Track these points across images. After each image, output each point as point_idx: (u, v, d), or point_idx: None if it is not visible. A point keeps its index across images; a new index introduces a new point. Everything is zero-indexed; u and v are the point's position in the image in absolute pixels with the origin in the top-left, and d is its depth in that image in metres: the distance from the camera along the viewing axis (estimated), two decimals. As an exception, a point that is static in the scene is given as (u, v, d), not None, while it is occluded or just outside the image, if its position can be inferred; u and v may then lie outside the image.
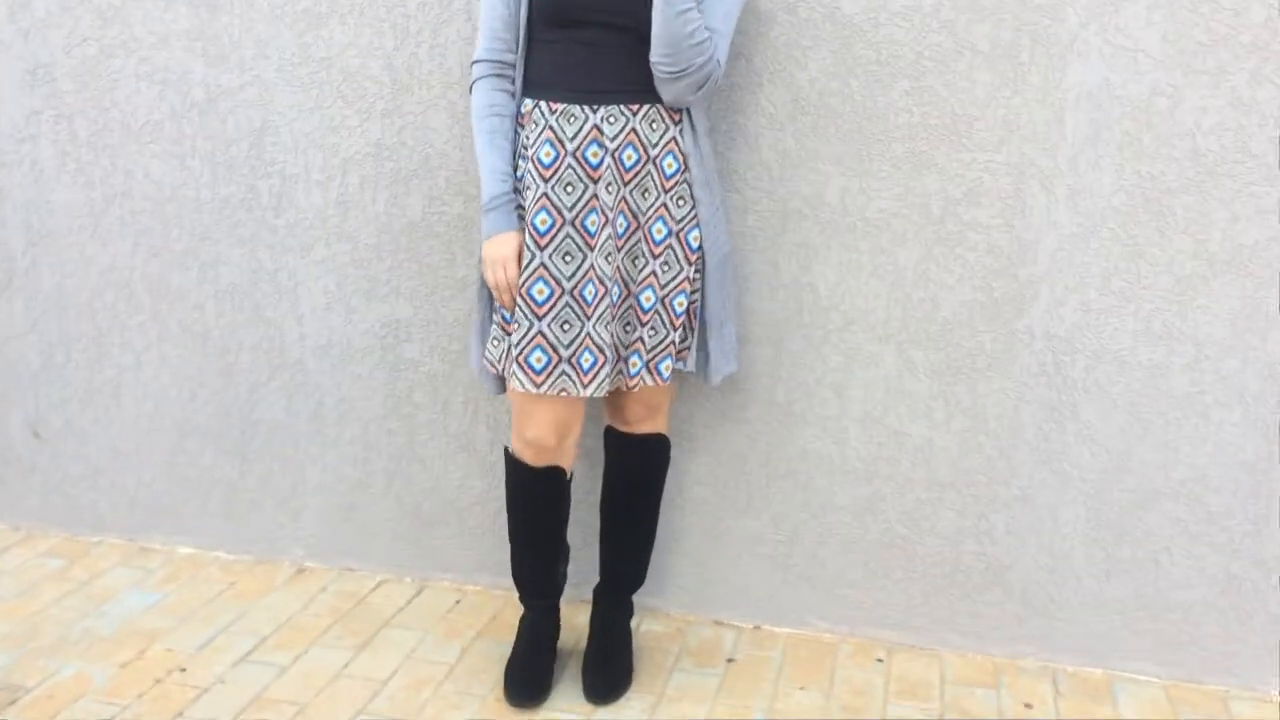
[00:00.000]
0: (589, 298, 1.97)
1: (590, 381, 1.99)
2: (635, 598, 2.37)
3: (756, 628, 2.46)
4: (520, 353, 1.99)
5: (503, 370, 2.05)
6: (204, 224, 2.59)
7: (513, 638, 2.33)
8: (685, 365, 2.13)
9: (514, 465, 2.16)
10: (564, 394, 1.99)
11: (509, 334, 2.02)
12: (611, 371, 2.02)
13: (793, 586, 2.43)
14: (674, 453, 2.41)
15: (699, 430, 2.40)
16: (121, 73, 2.54)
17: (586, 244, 1.98)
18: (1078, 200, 2.13)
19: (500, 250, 2.01)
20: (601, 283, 1.97)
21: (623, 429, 2.21)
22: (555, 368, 1.99)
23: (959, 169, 2.16)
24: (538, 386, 1.99)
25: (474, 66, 2.04)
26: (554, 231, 1.97)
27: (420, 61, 2.36)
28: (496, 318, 2.07)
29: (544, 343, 1.98)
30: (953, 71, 2.13)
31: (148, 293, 2.65)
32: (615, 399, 2.17)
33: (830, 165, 2.22)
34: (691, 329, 2.11)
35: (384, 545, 2.65)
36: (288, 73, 2.45)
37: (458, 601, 2.55)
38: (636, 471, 2.24)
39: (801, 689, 2.23)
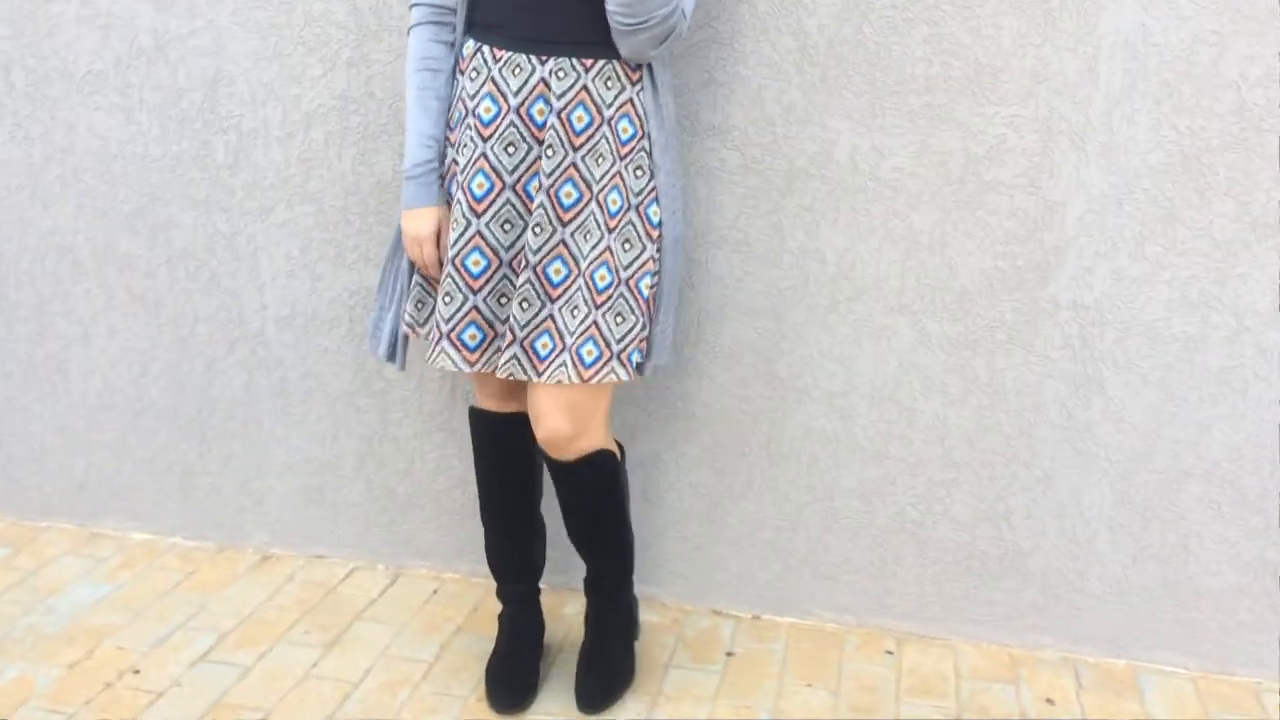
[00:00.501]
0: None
1: (545, 367, 1.82)
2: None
3: (756, 617, 2.30)
4: (452, 328, 1.81)
5: (426, 337, 1.88)
6: (153, 184, 2.37)
7: (496, 630, 2.16)
8: (644, 359, 1.89)
9: (475, 415, 2.02)
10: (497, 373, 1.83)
11: (432, 300, 1.88)
12: (507, 349, 1.81)
13: (795, 574, 2.27)
14: (671, 432, 2.23)
15: (696, 409, 2.22)
16: (62, 17, 2.31)
17: (527, 211, 1.80)
18: (1110, 158, 1.95)
19: (417, 227, 1.84)
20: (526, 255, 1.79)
21: (549, 452, 1.88)
22: (490, 344, 1.83)
23: (981, 124, 1.99)
24: (471, 365, 1.83)
25: (412, 10, 1.84)
26: (492, 196, 1.78)
27: (389, 4, 2.15)
28: (418, 277, 1.90)
29: (479, 318, 1.82)
30: (976, 17, 1.95)
31: (93, 258, 2.43)
32: (528, 401, 1.89)
33: (840, 121, 2.03)
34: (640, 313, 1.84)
35: (355, 531, 2.46)
36: (243, 16, 2.23)
37: (435, 591, 2.38)
38: (571, 498, 1.96)
39: (808, 686, 2.08)
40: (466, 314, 1.81)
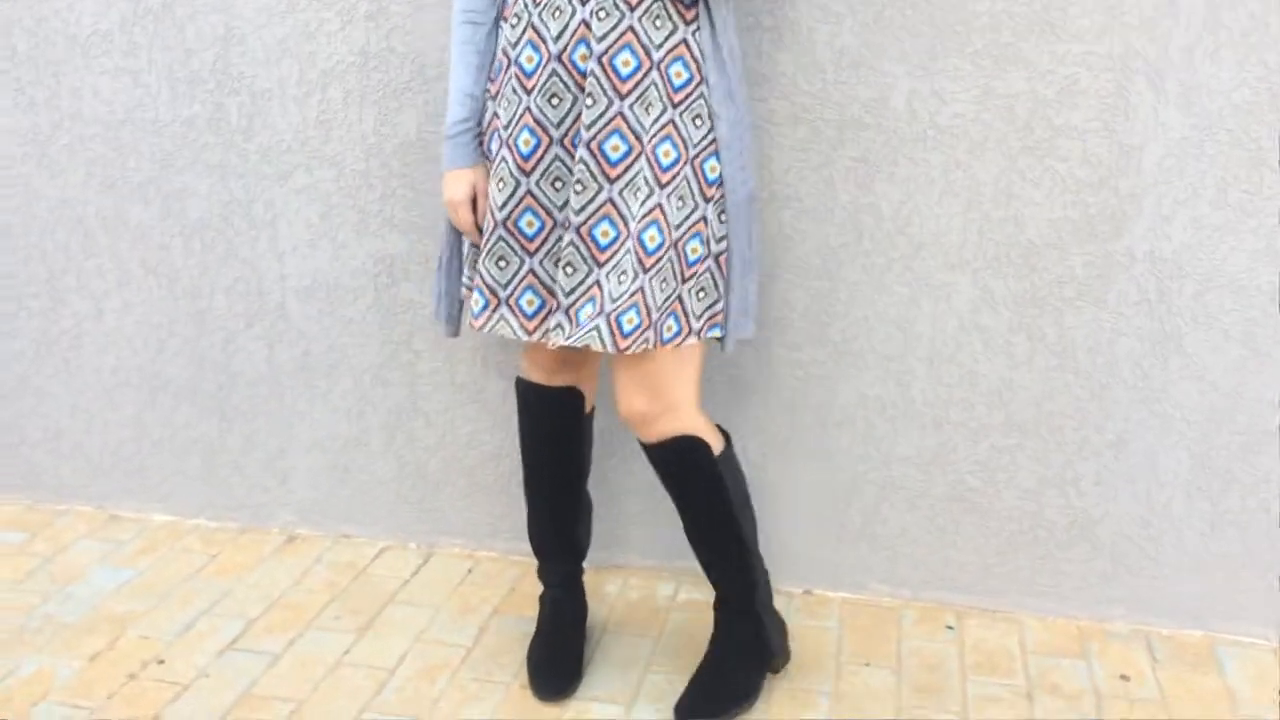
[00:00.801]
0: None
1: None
2: (676, 564, 2.11)
3: (808, 592, 2.19)
4: (510, 293, 1.70)
5: (480, 306, 1.75)
6: (165, 150, 2.25)
7: (535, 611, 2.06)
8: (724, 332, 1.72)
9: (523, 387, 1.90)
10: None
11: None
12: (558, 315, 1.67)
13: (850, 546, 2.15)
14: (718, 399, 2.11)
15: (745, 375, 2.10)
16: (61, -26, 2.19)
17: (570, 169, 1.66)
18: (1191, 98, 1.82)
19: (450, 191, 1.73)
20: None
21: (636, 433, 1.76)
22: (548, 311, 1.71)
23: (1050, 64, 1.85)
24: (529, 334, 1.71)
25: None
26: (540, 153, 1.65)
27: (410, -49, 2.02)
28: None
29: (535, 283, 1.70)
30: (1043, -53, 1.81)
31: (105, 230, 2.32)
32: (614, 385, 1.77)
33: (896, 64, 1.90)
34: (720, 284, 1.70)
35: (385, 509, 2.36)
36: (255, -32, 2.10)
37: (470, 570, 2.27)
38: (671, 486, 1.80)
39: (867, 665, 1.97)
40: (523, 278, 1.69)
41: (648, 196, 1.62)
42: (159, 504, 2.46)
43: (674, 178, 1.63)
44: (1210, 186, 1.84)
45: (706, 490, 1.77)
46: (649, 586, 2.21)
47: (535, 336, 1.71)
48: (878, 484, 2.11)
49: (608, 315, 1.62)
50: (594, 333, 1.62)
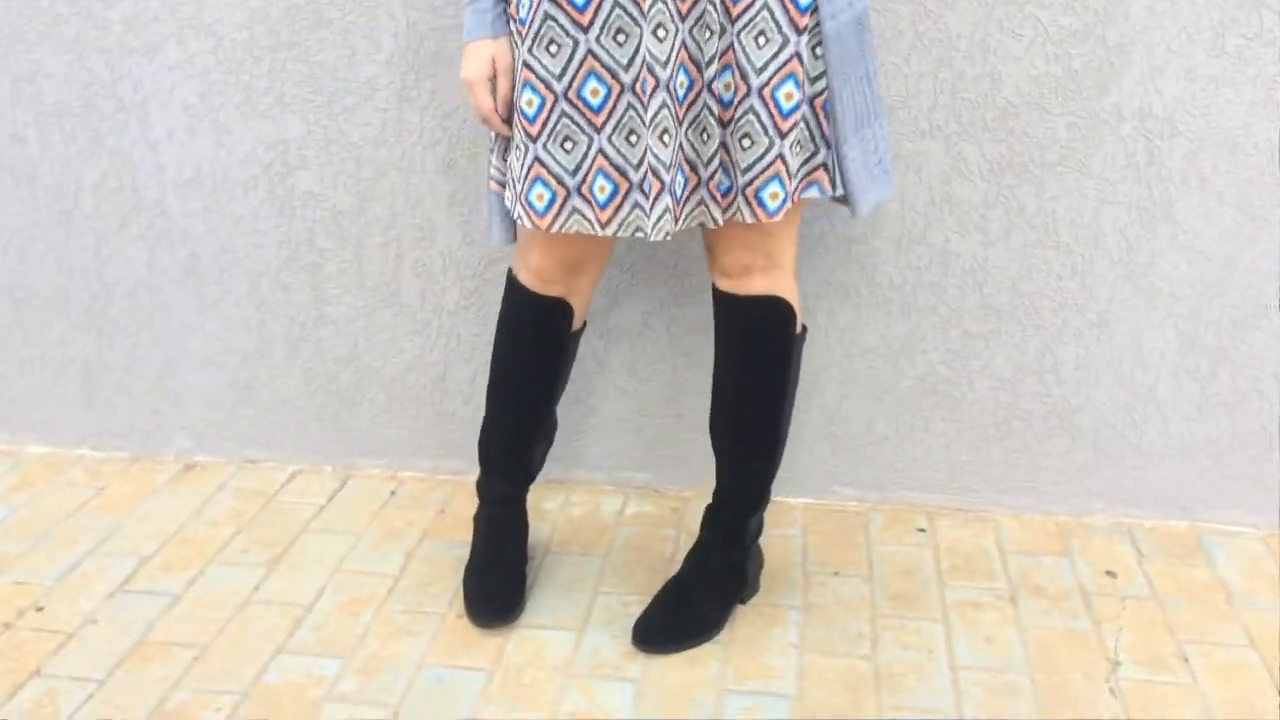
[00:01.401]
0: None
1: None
2: (621, 474, 1.91)
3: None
4: (582, 180, 1.45)
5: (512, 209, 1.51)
6: (10, 24, 1.93)
7: (466, 534, 1.85)
8: (823, 192, 1.47)
9: (513, 286, 1.64)
10: (579, 233, 1.47)
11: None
12: (656, 203, 1.41)
13: (810, 448, 1.98)
14: (660, 294, 1.90)
15: (689, 266, 1.89)
16: None
17: (641, 13, 1.36)
18: (1187, -70, 1.62)
19: (467, 69, 1.46)
20: (650, 71, 1.37)
21: (722, 285, 1.57)
22: (624, 197, 1.44)
23: (1031, -106, 1.64)
24: (603, 226, 1.46)
25: None
26: (597, 1, 1.37)
27: None
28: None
29: (606, 165, 1.43)
30: None
31: (-56, 119, 2.00)
32: (710, 239, 1.56)
33: (857, -102, 1.66)
34: (821, 135, 1.45)
35: (293, 429, 2.11)
36: None
37: (393, 493, 2.05)
38: (739, 345, 1.60)
39: (835, 574, 1.80)
40: (594, 160, 1.43)
41: (716, 38, 1.38)
42: (33, 433, 2.18)
43: (754, 11, 1.38)
44: (1205, 31, 1.66)
45: (774, 364, 1.59)
46: (593, 502, 2.01)
47: (610, 230, 1.45)
48: (840, 379, 1.93)
49: (741, 191, 1.45)
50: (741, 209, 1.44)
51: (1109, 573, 1.80)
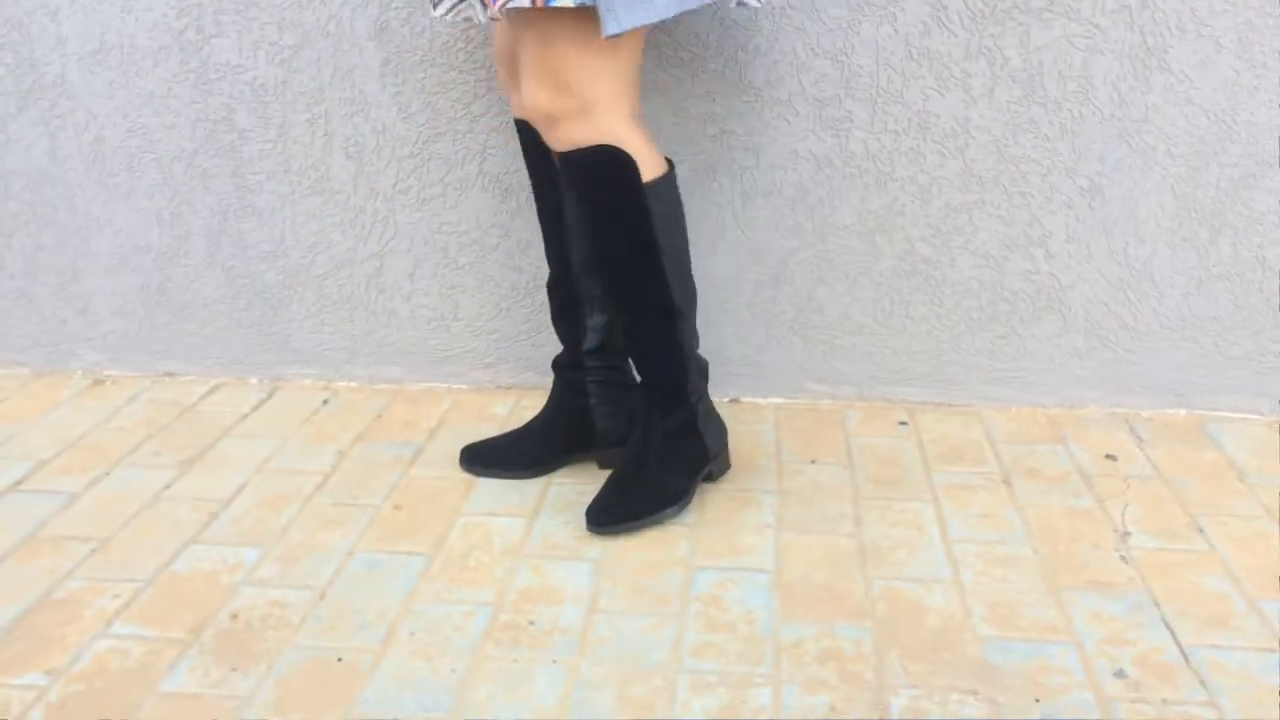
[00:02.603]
0: None
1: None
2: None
3: (734, 400, 1.86)
4: None
5: None
6: (-110, -126, 1.74)
7: (406, 437, 1.68)
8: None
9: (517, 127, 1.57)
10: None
11: None
12: None
13: (779, 343, 1.82)
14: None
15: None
16: None
17: None
18: None
19: None
20: None
21: (547, 142, 1.35)
22: None
23: None
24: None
25: None
26: None
27: None
28: None
29: None
30: None
31: None
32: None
33: None
34: None
35: (214, 338, 1.92)
36: None
37: (325, 402, 1.86)
38: (579, 210, 1.40)
39: (812, 462, 1.64)
40: None
41: None
42: (-77, 348, 1.97)
43: None
44: None
45: (626, 223, 1.36)
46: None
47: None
48: (811, 263, 1.78)
49: None
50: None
51: (1109, 456, 1.66)
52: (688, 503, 1.49)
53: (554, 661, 1.20)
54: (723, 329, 1.82)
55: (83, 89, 1.81)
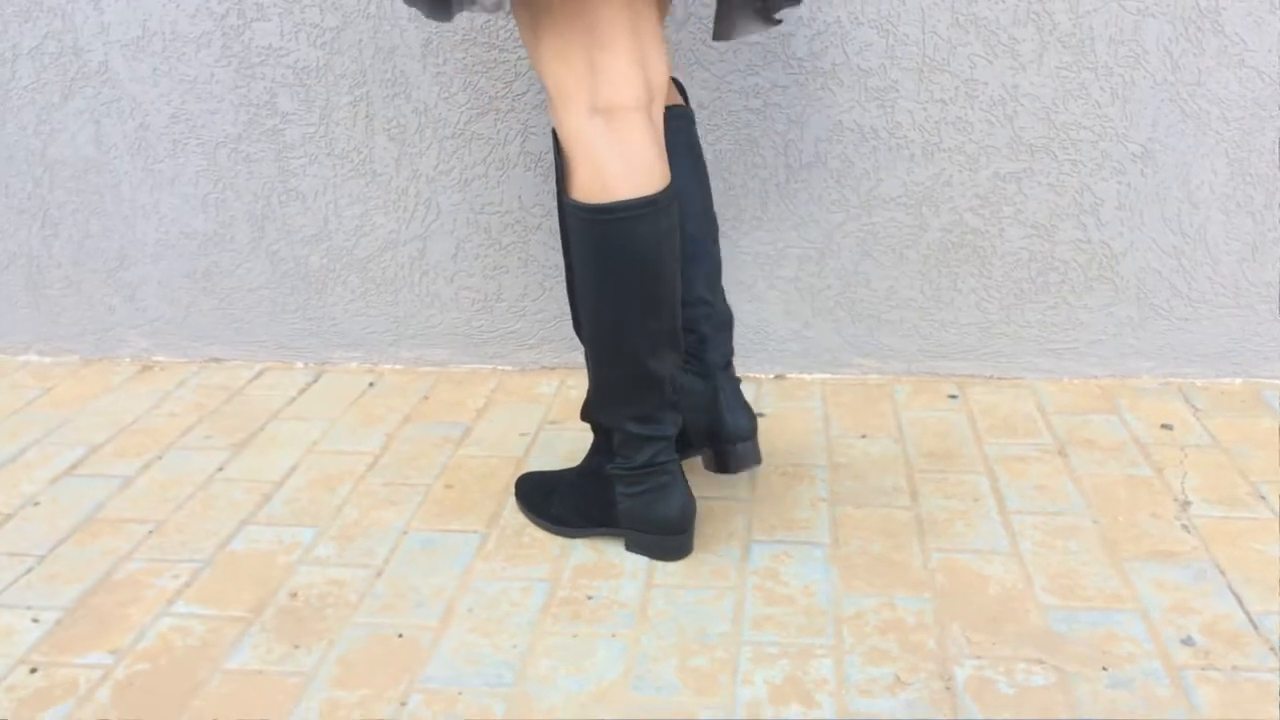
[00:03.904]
0: None
1: None
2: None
3: (779, 377, 1.85)
4: None
5: None
6: None
7: (454, 418, 1.68)
8: None
9: None
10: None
11: None
12: None
13: (825, 318, 1.81)
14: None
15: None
16: None
17: None
18: None
19: None
20: None
21: None
22: None
23: None
24: None
25: None
26: None
27: None
28: None
29: None
30: None
31: None
32: None
33: None
34: None
35: (260, 322, 1.93)
36: None
37: (371, 384, 1.87)
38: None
39: (863, 437, 1.63)
40: None
41: None
42: (-26, 338, 1.99)
43: None
44: None
45: (563, 225, 1.26)
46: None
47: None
48: (857, 235, 1.76)
49: None
50: None
51: (1165, 426, 1.63)
52: (567, 533, 1.38)
53: (614, 635, 1.19)
54: (767, 304, 1.81)
55: (126, 76, 1.81)
